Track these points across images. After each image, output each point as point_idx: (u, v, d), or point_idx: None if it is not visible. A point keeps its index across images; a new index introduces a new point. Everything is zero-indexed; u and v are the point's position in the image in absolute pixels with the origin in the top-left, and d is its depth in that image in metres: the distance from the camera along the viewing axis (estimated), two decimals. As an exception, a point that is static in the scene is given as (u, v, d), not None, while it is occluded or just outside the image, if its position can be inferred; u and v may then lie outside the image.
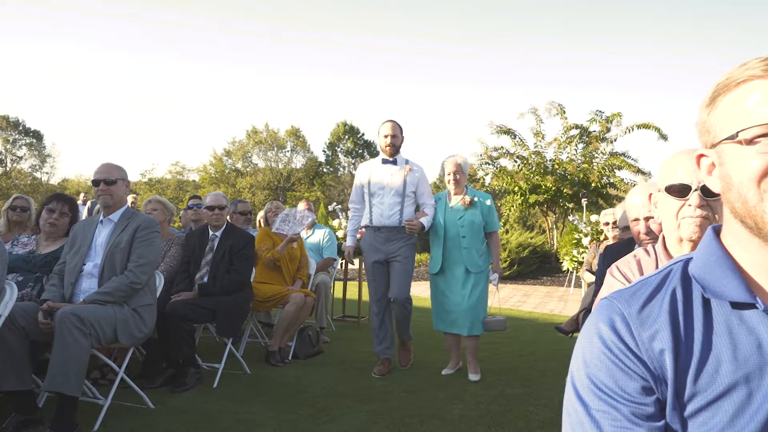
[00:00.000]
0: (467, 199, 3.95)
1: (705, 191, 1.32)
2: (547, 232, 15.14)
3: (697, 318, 0.71)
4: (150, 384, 3.52)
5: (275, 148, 38.47)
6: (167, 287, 3.86)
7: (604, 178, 13.92)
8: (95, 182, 3.16)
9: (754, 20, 52.50)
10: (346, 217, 5.91)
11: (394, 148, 4.08)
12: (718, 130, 0.72)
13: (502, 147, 14.88)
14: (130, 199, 8.26)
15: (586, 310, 4.00)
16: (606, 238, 5.38)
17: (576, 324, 4.30)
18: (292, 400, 3.42)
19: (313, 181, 37.86)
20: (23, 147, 36.83)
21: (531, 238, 12.96)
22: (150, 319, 3.16)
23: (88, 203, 11.34)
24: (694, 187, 1.33)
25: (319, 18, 58.24)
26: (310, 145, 39.48)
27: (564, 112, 14.76)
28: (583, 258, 8.73)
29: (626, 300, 0.75)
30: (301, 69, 60.52)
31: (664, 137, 13.86)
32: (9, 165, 36.44)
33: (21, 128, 36.51)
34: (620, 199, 12.94)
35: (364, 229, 4.22)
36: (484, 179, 15.08)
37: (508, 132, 14.79)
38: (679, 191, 1.35)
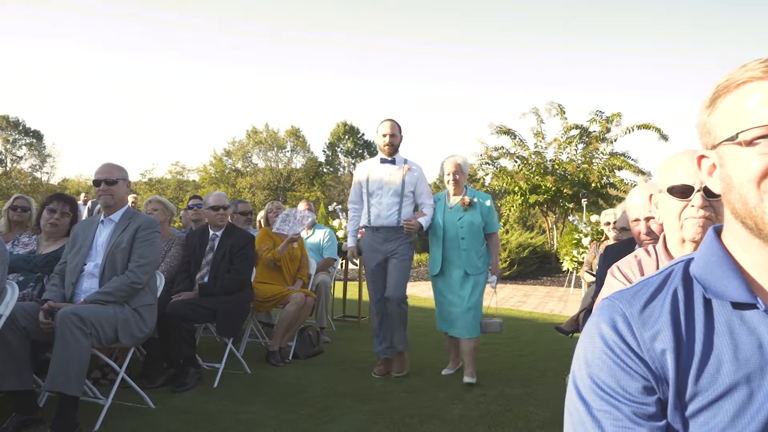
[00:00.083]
0: (467, 199, 3.90)
1: (707, 192, 1.32)
2: (547, 232, 15.15)
3: (699, 318, 0.71)
4: (151, 384, 3.52)
5: (275, 148, 38.48)
6: (168, 287, 3.86)
7: (604, 178, 13.92)
8: (96, 182, 3.17)
9: (754, 20, 52.53)
10: (346, 218, 5.91)
11: (393, 147, 4.04)
12: (719, 132, 0.72)
13: (502, 147, 14.89)
14: (130, 199, 8.26)
15: (587, 311, 4.01)
16: (606, 239, 5.39)
17: (576, 324, 4.30)
18: (293, 400, 3.42)
19: (313, 182, 37.86)
20: (23, 147, 36.83)
21: (531, 238, 12.97)
22: (151, 319, 3.17)
23: (89, 203, 11.34)
24: (696, 188, 1.33)
25: (319, 18, 58.29)
26: (310, 145, 39.51)
27: (564, 113, 14.77)
28: (583, 258, 8.73)
29: (628, 300, 0.75)
30: (301, 69, 60.57)
31: (664, 137, 13.86)
32: (9, 165, 36.45)
33: (21, 128, 36.51)
34: (620, 199, 12.95)
35: (363, 230, 4.21)
36: (484, 179, 15.09)
37: (508, 132, 14.80)
38: (682, 192, 1.35)
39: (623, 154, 14.25)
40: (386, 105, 59.74)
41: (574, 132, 14.68)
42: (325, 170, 39.32)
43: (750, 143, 0.67)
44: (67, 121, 60.22)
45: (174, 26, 55.88)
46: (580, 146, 14.56)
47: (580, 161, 14.26)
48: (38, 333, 2.84)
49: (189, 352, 3.61)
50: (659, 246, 1.52)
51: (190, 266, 4.03)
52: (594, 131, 14.59)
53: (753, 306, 0.69)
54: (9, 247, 3.41)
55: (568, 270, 9.91)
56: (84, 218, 3.64)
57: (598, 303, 0.82)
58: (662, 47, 56.87)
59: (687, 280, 0.75)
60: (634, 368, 0.71)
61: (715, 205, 1.33)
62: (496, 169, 14.81)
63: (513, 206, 14.61)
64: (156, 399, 3.22)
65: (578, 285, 9.94)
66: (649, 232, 1.89)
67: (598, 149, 14.28)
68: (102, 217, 3.23)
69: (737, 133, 0.68)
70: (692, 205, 1.34)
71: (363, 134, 39.74)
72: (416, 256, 13.62)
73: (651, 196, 1.53)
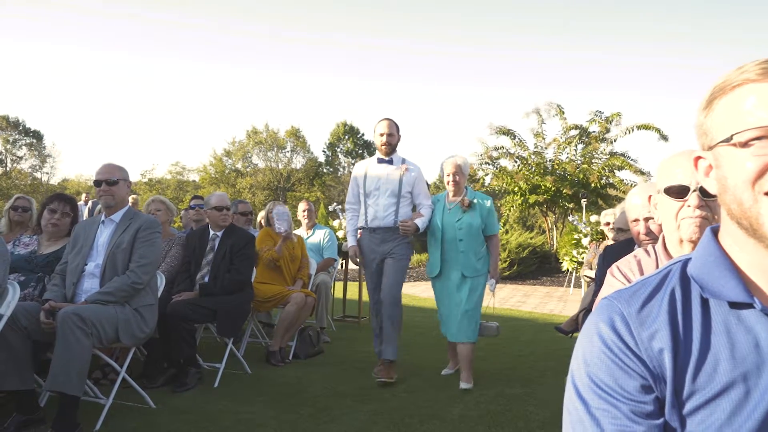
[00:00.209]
0: (466, 200, 3.82)
1: (704, 192, 1.33)
2: (547, 232, 15.16)
3: (696, 318, 0.72)
4: (151, 384, 3.53)
5: (275, 149, 38.48)
6: (168, 287, 3.87)
7: (604, 178, 13.94)
8: (97, 183, 3.17)
9: (754, 20, 52.56)
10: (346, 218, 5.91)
11: (391, 147, 3.97)
12: (715, 133, 0.73)
13: (502, 147, 14.91)
14: (131, 199, 8.27)
15: (586, 310, 4.01)
16: (606, 239, 5.39)
17: (576, 324, 4.30)
18: (293, 399, 3.43)
19: (313, 182, 37.87)
20: (23, 147, 36.83)
21: (531, 238, 12.98)
22: (151, 319, 3.17)
23: (89, 203, 11.34)
24: (692, 188, 1.34)
25: (319, 18, 58.32)
26: (310, 145, 39.51)
27: (563, 113, 14.78)
28: (582, 258, 8.74)
29: (626, 300, 0.76)
30: (301, 69, 60.59)
31: (664, 138, 13.88)
32: (9, 165, 36.44)
33: (21, 128, 36.51)
34: (620, 199, 12.96)
35: (361, 230, 4.18)
36: (483, 179, 15.11)
37: (508, 133, 14.81)
38: (678, 192, 1.36)
39: (623, 155, 14.27)
40: (386, 105, 59.80)
41: (574, 132, 14.70)
42: (325, 170, 39.33)
43: (745, 145, 0.68)
44: (67, 121, 60.28)
45: (174, 26, 55.94)
46: (580, 146, 14.58)
47: (579, 161, 14.27)
48: (39, 333, 2.85)
49: (189, 352, 3.62)
50: (658, 246, 1.53)
51: (190, 266, 4.03)
52: (593, 131, 14.60)
53: (750, 305, 0.69)
54: (10, 247, 3.42)
55: (568, 270, 9.92)
56: (85, 218, 3.64)
57: (598, 303, 0.83)
58: (662, 47, 56.93)
59: (684, 280, 0.76)
60: (632, 367, 0.72)
61: (712, 205, 1.33)
62: (496, 169, 14.82)
63: (513, 206, 14.63)
64: (156, 399, 3.23)
65: (578, 285, 9.95)
66: (649, 232, 1.90)
67: (597, 149, 14.30)
68: (103, 218, 3.24)
69: (732, 135, 0.69)
70: (688, 205, 1.35)
71: (363, 134, 39.76)
72: (416, 256, 13.65)
73: (650, 197, 1.53)
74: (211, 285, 3.86)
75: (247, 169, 38.58)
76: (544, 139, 14.80)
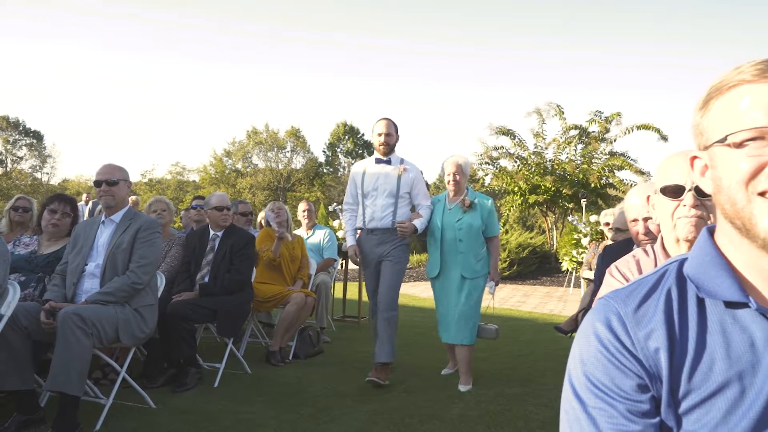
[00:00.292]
0: (467, 200, 3.79)
1: (700, 191, 1.33)
2: (547, 232, 15.16)
3: (692, 317, 0.73)
4: (151, 384, 3.54)
5: (275, 149, 38.49)
6: (168, 287, 3.87)
7: (604, 178, 13.94)
8: (97, 183, 3.18)
9: (754, 20, 52.59)
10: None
11: (389, 146, 3.92)
12: (710, 133, 0.74)
13: (502, 147, 14.92)
14: (131, 200, 8.26)
15: (586, 310, 4.01)
16: (606, 239, 5.40)
17: (575, 324, 4.31)
18: (293, 399, 3.43)
19: (313, 182, 37.88)
20: (23, 147, 36.84)
21: (531, 238, 12.99)
22: (151, 319, 3.18)
23: (90, 203, 11.35)
24: (688, 188, 1.34)
25: (319, 18, 58.36)
26: (310, 145, 39.54)
27: (562, 113, 14.79)
28: (582, 258, 8.75)
29: (622, 299, 0.76)
30: (301, 69, 60.66)
31: (664, 138, 13.89)
32: (9, 165, 36.45)
33: (21, 128, 36.52)
34: (620, 199, 12.96)
35: (359, 231, 4.15)
36: (483, 179, 15.12)
37: (508, 133, 14.82)
38: (674, 192, 1.37)
39: (623, 155, 14.28)
40: (386, 105, 59.85)
41: (573, 132, 14.71)
42: (325, 171, 39.34)
43: (739, 145, 0.69)
44: (67, 121, 60.32)
45: (174, 26, 55.98)
46: (580, 146, 14.58)
47: (579, 161, 14.28)
48: (40, 333, 2.85)
49: (189, 352, 3.62)
50: (657, 246, 1.53)
51: (190, 266, 4.04)
52: (593, 131, 14.61)
53: (745, 305, 0.70)
54: (10, 247, 3.42)
55: (568, 270, 9.93)
56: (85, 218, 3.65)
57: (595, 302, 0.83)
58: (662, 47, 56.97)
59: (681, 280, 0.76)
60: (628, 366, 0.72)
61: (708, 204, 1.34)
62: (496, 169, 14.83)
63: (513, 206, 14.64)
64: (156, 399, 3.24)
65: (578, 285, 9.95)
66: (647, 232, 1.90)
67: (597, 149, 14.31)
68: (103, 218, 3.24)
69: (727, 135, 0.70)
70: (684, 205, 1.35)
71: (363, 134, 39.77)
72: (416, 256, 13.65)
73: (648, 197, 1.54)
74: (211, 285, 3.87)
75: (247, 170, 38.59)
76: (544, 139, 14.81)
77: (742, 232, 0.70)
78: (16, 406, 2.79)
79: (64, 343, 2.67)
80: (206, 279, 3.95)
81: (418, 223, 3.83)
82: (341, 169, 39.66)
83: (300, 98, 61.46)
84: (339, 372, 4.12)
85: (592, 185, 13.59)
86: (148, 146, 66.11)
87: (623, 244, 2.35)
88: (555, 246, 13.15)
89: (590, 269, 5.89)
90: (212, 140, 72.27)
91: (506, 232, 13.80)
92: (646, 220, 1.90)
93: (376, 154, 4.00)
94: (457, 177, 3.82)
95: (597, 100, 57.03)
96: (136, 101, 60.93)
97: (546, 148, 14.83)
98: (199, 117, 62.53)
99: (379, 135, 3.93)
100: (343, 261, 6.60)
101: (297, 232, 5.55)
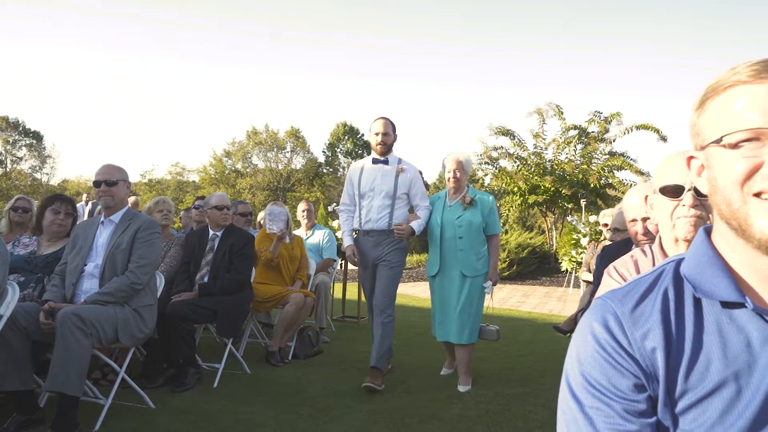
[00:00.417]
0: (467, 198, 3.75)
1: (699, 191, 1.33)
2: (546, 232, 15.17)
3: (689, 317, 0.73)
4: (150, 384, 3.53)
5: (275, 149, 38.51)
6: (168, 287, 3.88)
7: (603, 178, 13.95)
8: (96, 183, 3.18)
9: (754, 20, 52.62)
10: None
11: (386, 146, 3.83)
12: (706, 134, 0.74)
13: (501, 147, 14.93)
14: (130, 200, 8.26)
15: (585, 310, 4.01)
16: (605, 239, 5.40)
17: (574, 324, 4.31)
18: (292, 400, 3.43)
19: (312, 182, 37.89)
20: (23, 148, 36.85)
21: (530, 238, 12.99)
22: (151, 319, 3.18)
23: (90, 204, 11.34)
24: (687, 188, 1.34)
25: (319, 18, 58.42)
26: (309, 145, 39.58)
27: (562, 113, 14.80)
28: (581, 258, 8.75)
29: (619, 299, 0.77)
30: (301, 69, 60.73)
31: (663, 138, 13.90)
32: (9, 166, 36.45)
33: (21, 129, 36.53)
34: (619, 199, 12.97)
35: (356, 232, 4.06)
36: (483, 179, 15.13)
37: (507, 133, 14.83)
38: (673, 192, 1.37)
39: (622, 155, 14.29)
40: (386, 105, 59.88)
41: (573, 132, 14.72)
42: (324, 171, 39.35)
43: (735, 146, 0.69)
44: (67, 121, 60.38)
45: (174, 26, 56.03)
46: (579, 147, 14.59)
47: (578, 162, 14.29)
48: (39, 333, 2.85)
49: (189, 352, 3.62)
50: (655, 246, 1.53)
51: (189, 266, 4.04)
52: (592, 131, 14.62)
53: (741, 305, 0.70)
54: (10, 247, 3.42)
55: (567, 270, 9.93)
56: (85, 219, 3.65)
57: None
58: (662, 47, 57.01)
59: (677, 280, 0.77)
60: (625, 366, 0.72)
61: (707, 204, 1.34)
62: (496, 169, 14.84)
63: (512, 206, 14.65)
64: (156, 399, 3.23)
65: (577, 285, 9.95)
66: (646, 232, 1.91)
67: (596, 150, 14.31)
68: (102, 218, 3.24)
69: (722, 136, 0.70)
70: (683, 205, 1.35)
71: (362, 135, 39.78)
72: (416, 256, 13.66)
73: (646, 197, 1.54)
74: (210, 285, 3.87)
75: (247, 170, 38.61)
76: (543, 139, 14.82)
77: (738, 232, 0.71)
78: (16, 406, 2.79)
79: (63, 344, 2.67)
80: (206, 279, 3.95)
81: (416, 225, 3.78)
82: (341, 170, 39.67)
83: (300, 98, 61.58)
84: (338, 372, 4.12)
85: (592, 185, 13.60)
86: (147, 146, 66.20)
87: (622, 245, 2.35)
88: (554, 246, 13.15)
89: (589, 270, 5.89)
90: (212, 140, 72.39)
91: (506, 232, 13.81)
92: (644, 220, 1.90)
93: (374, 154, 3.93)
94: (458, 174, 3.77)
95: (597, 100, 57.12)
96: (136, 101, 61.04)
97: (545, 149, 14.84)
98: (199, 117, 62.65)
99: (377, 134, 3.85)
100: (343, 261, 6.60)
101: (296, 232, 5.54)
